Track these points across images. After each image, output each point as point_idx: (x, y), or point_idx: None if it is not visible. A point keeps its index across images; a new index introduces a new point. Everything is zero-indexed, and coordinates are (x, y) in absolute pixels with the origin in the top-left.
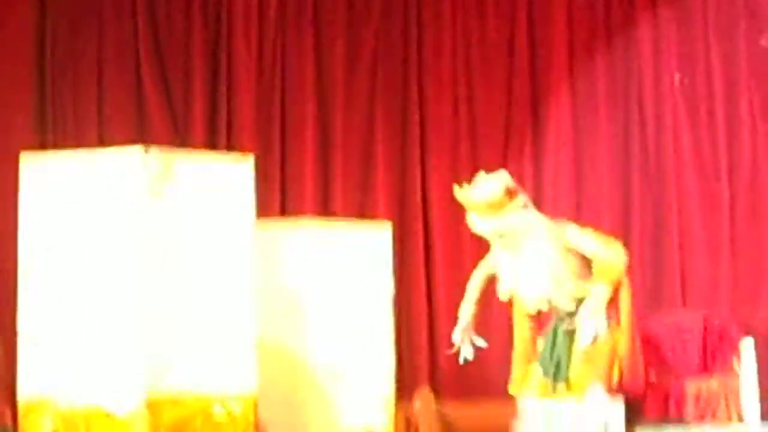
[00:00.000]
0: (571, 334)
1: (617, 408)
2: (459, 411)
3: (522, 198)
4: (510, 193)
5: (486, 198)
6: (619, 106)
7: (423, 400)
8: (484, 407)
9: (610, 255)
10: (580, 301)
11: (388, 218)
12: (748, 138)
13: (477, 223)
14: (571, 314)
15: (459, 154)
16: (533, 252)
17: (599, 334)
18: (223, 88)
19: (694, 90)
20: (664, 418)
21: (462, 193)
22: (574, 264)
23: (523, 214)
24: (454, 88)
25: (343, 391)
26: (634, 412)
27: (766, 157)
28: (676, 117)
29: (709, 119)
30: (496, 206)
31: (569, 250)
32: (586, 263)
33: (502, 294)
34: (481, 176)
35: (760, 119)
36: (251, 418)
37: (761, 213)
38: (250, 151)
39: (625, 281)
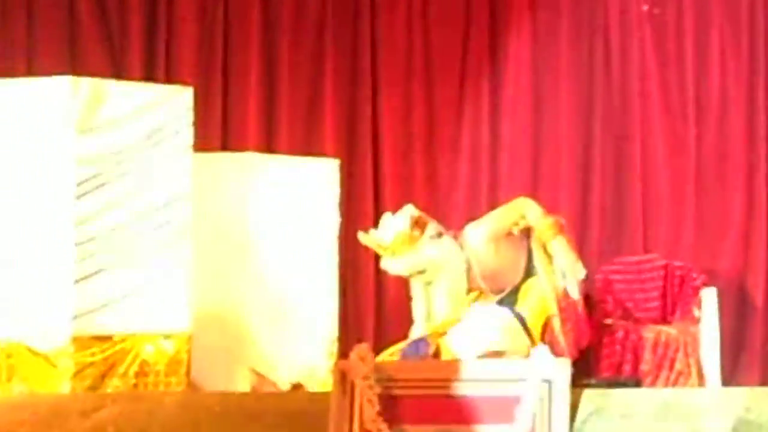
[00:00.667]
0: None
1: (562, 368)
2: (399, 369)
3: (433, 227)
4: (419, 225)
5: (395, 236)
6: (583, 37)
7: (360, 355)
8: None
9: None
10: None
11: (336, 155)
12: (718, 76)
13: (392, 265)
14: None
15: (412, 90)
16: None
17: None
18: (162, 17)
19: (664, 23)
20: (617, 375)
21: (368, 239)
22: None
23: (437, 244)
24: (409, 19)
25: (284, 332)
26: (582, 371)
27: (735, 97)
28: (643, 51)
29: (678, 55)
30: (407, 242)
31: (499, 239)
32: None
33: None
34: (386, 217)
35: (731, 56)
36: (184, 357)
37: (729, 155)
38: (189, 83)
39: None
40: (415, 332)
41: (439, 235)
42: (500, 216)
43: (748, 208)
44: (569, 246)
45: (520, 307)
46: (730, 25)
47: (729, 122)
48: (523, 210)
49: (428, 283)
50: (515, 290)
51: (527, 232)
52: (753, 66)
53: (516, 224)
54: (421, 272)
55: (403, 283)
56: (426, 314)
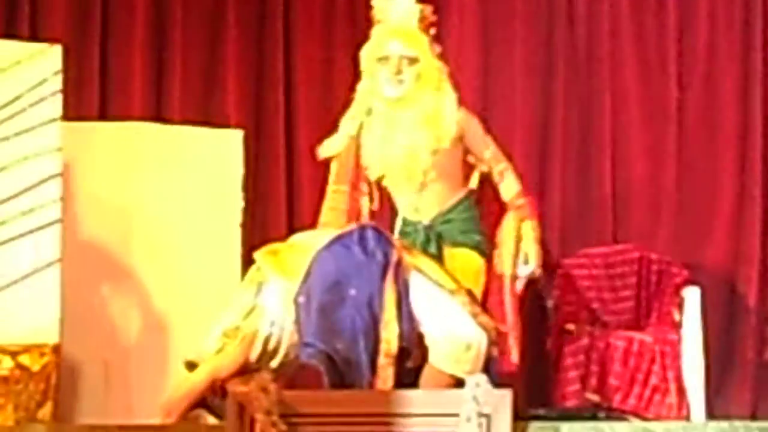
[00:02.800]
0: None
1: (503, 399)
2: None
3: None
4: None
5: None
6: None
7: (261, 386)
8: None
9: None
10: None
11: (240, 125)
12: (705, 26)
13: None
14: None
15: (334, 43)
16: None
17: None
18: None
19: None
20: (581, 389)
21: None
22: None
23: None
24: None
25: (183, 322)
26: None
27: (726, 52)
28: None
29: (658, 3)
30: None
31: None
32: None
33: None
34: None
35: (721, 6)
36: (51, 371)
37: (718, 125)
38: (59, 40)
39: None
40: None
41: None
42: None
43: (740, 190)
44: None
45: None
46: None
47: (718, 84)
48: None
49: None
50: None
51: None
52: (748, 13)
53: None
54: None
55: None
56: None
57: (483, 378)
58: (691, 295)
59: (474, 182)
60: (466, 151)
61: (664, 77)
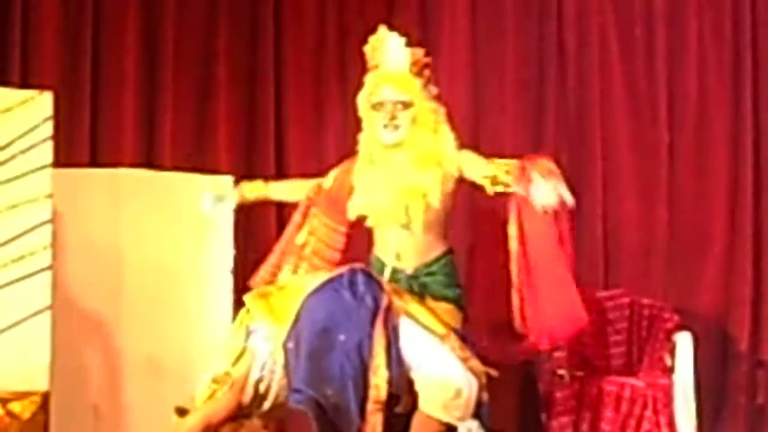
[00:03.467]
0: None
1: None
2: None
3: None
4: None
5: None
6: (532, 17)
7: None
8: None
9: None
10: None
11: (231, 171)
12: (695, 67)
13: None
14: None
15: (324, 88)
16: None
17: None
18: (16, 4)
19: (629, 4)
20: None
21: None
22: None
23: None
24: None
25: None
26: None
27: (716, 93)
28: (605, 36)
29: (647, 41)
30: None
31: None
32: None
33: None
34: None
35: (711, 43)
36: (41, 418)
37: (709, 168)
38: (50, 86)
39: None
40: None
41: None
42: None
43: (731, 234)
44: None
45: None
46: (709, 6)
47: (708, 127)
48: None
49: None
50: None
51: None
52: (738, 57)
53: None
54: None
55: None
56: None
57: (475, 424)
58: (683, 340)
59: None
60: (472, 185)
61: (654, 121)
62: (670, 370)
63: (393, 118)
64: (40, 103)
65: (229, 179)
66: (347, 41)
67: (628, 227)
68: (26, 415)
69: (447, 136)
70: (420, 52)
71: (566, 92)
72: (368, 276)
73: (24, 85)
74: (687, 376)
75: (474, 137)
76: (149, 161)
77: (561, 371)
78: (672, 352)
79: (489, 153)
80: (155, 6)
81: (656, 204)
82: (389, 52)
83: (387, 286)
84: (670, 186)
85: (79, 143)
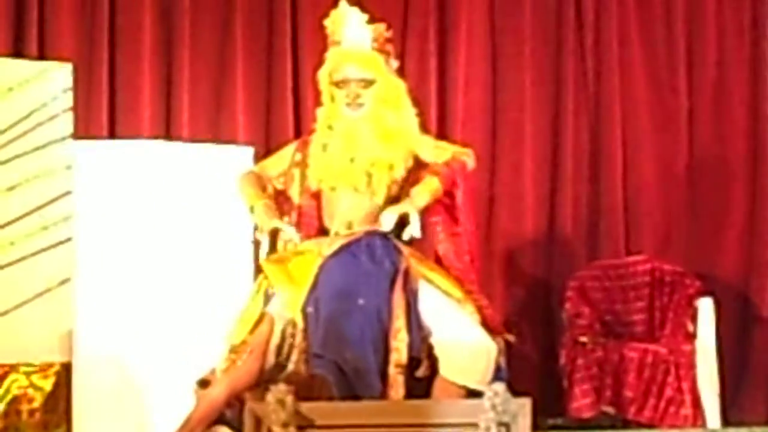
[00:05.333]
0: None
1: (522, 408)
2: (324, 413)
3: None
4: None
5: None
6: None
7: (277, 398)
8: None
9: None
10: None
11: (250, 142)
12: (714, 32)
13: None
14: None
15: None
16: None
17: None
18: None
19: None
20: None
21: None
22: None
23: None
24: None
25: (192, 348)
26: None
27: (735, 59)
28: (623, 2)
29: (666, 6)
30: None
31: None
32: None
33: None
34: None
35: (730, 7)
36: (63, 393)
37: (728, 135)
38: (68, 59)
39: None
40: None
41: None
42: None
43: (751, 199)
44: None
45: None
46: None
47: (728, 93)
48: None
49: None
50: None
51: None
52: (756, 21)
53: None
54: None
55: None
56: None
57: (502, 386)
58: (705, 306)
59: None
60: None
61: (673, 86)
62: (692, 336)
63: (357, 96)
64: (59, 75)
65: (248, 150)
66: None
67: (648, 194)
68: (49, 387)
69: (409, 113)
70: (381, 26)
71: (585, 60)
72: (386, 240)
73: (41, 57)
74: (709, 341)
75: (493, 104)
76: (167, 133)
77: (583, 338)
78: (694, 318)
79: (509, 130)
80: None
81: (676, 170)
82: (351, 29)
83: (405, 251)
84: (690, 152)
85: (98, 115)
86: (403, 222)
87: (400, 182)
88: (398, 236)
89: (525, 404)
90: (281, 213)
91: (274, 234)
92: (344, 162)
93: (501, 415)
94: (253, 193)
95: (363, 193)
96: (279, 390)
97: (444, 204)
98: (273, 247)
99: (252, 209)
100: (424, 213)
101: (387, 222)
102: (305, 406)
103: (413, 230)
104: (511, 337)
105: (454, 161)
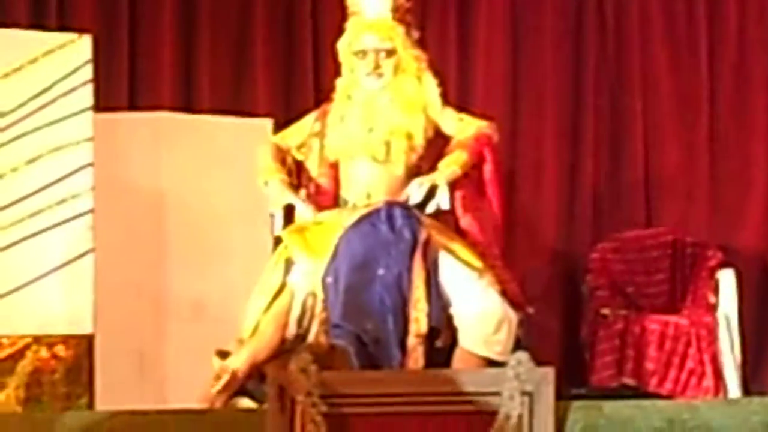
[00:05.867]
0: None
1: (546, 377)
2: (348, 382)
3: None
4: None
5: None
6: None
7: (300, 367)
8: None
9: None
10: None
11: (270, 114)
12: (735, 11)
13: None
14: None
15: None
16: None
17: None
18: None
19: None
20: (617, 376)
21: None
22: None
23: None
24: None
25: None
26: (572, 372)
27: (757, 38)
28: None
29: None
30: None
31: None
32: None
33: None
34: None
35: None
36: (85, 364)
37: (749, 109)
38: (87, 31)
39: None
40: None
41: None
42: None
43: None
44: None
45: None
46: None
47: (748, 70)
48: None
49: None
50: None
51: None
52: None
53: None
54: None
55: None
56: None
57: (525, 356)
58: (726, 277)
59: None
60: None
61: (694, 62)
62: (713, 308)
63: (377, 66)
64: (80, 46)
65: (267, 122)
66: None
67: (669, 167)
68: (71, 358)
69: (431, 83)
70: None
71: (606, 35)
72: (406, 210)
73: (61, 28)
74: (731, 313)
75: (513, 77)
76: (188, 105)
77: (604, 310)
78: (715, 290)
79: (530, 102)
80: None
81: (697, 143)
82: None
83: (426, 221)
84: (711, 126)
85: (118, 87)
86: (428, 194)
87: (419, 152)
88: (421, 207)
89: (548, 373)
90: (300, 186)
91: (288, 209)
92: (363, 132)
93: (524, 383)
94: (269, 167)
95: (381, 163)
96: (302, 359)
97: (470, 177)
98: (287, 223)
99: (266, 183)
100: (450, 186)
101: (415, 193)
102: (328, 375)
103: (442, 202)
104: (531, 310)
105: (482, 135)
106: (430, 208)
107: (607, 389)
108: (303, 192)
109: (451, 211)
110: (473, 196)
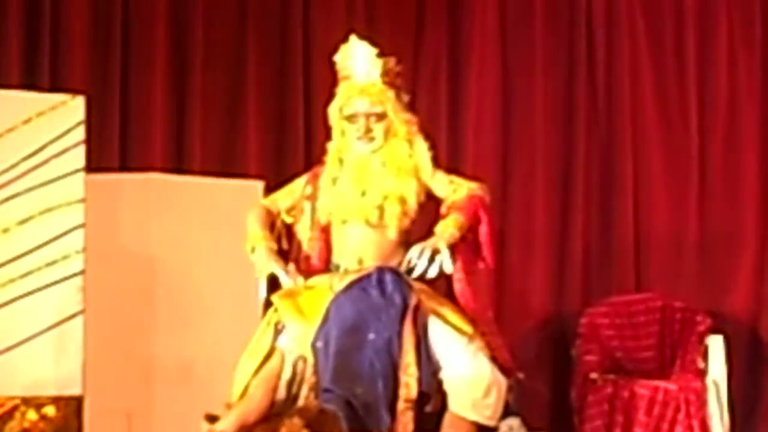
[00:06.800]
0: None
1: None
2: None
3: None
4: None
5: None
6: (561, 23)
7: (291, 430)
8: None
9: None
10: None
11: (260, 176)
12: (725, 69)
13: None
14: None
15: None
16: None
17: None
18: (45, 8)
19: (659, 10)
20: None
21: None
22: None
23: None
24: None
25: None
26: None
27: (747, 98)
28: (635, 40)
29: (677, 44)
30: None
31: None
32: None
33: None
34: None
35: (741, 45)
36: (73, 424)
37: (740, 171)
38: (79, 91)
39: None
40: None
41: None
42: None
43: (762, 237)
44: None
45: None
46: (739, 10)
47: (739, 130)
48: None
49: None
50: None
51: None
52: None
53: None
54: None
55: None
56: None
57: (517, 421)
58: (715, 343)
59: None
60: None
61: (685, 125)
62: (702, 373)
63: (368, 130)
64: (73, 107)
65: (258, 184)
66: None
67: (659, 230)
68: (60, 419)
69: (422, 147)
70: (392, 60)
71: (596, 98)
72: (396, 275)
73: (53, 89)
74: (720, 378)
75: (504, 140)
76: (179, 166)
77: (593, 375)
78: (704, 355)
79: (521, 165)
80: (184, 11)
81: (687, 207)
82: (360, 62)
83: (415, 286)
84: (701, 190)
85: (109, 148)
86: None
87: (412, 216)
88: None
89: None
90: (290, 250)
91: (273, 278)
92: (356, 195)
93: None
94: (256, 233)
95: (374, 227)
96: (293, 423)
97: (466, 240)
98: (272, 290)
99: (253, 250)
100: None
101: (420, 261)
102: None
103: (445, 266)
104: (521, 375)
105: (475, 196)
106: (432, 272)
107: None
108: (291, 265)
109: (444, 274)
110: (469, 258)
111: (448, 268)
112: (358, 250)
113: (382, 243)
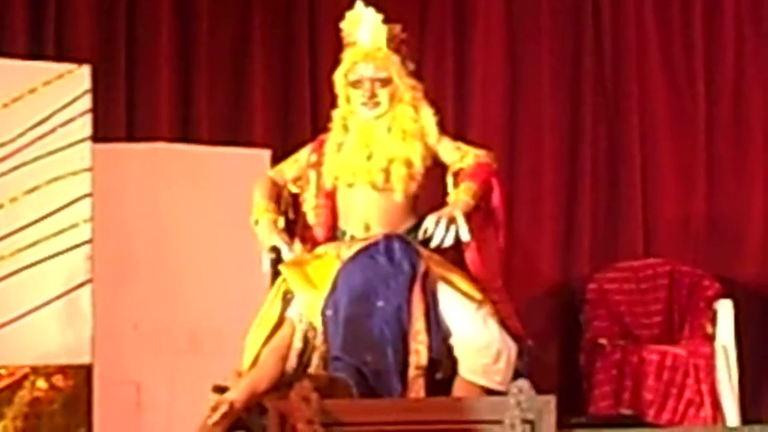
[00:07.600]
0: None
1: (547, 406)
2: (349, 411)
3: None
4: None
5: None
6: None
7: (302, 395)
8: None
9: None
10: None
11: (267, 145)
12: (733, 36)
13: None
14: None
15: None
16: None
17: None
18: None
19: None
20: (614, 406)
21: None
22: None
23: None
24: None
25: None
26: (570, 402)
27: (753, 66)
28: (641, 8)
29: (684, 15)
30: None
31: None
32: None
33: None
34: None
35: (748, 17)
36: (84, 394)
37: (747, 137)
38: (85, 60)
39: None
40: None
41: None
42: None
43: None
44: None
45: None
46: None
47: (746, 97)
48: None
49: None
50: None
51: None
52: None
53: None
54: None
55: None
56: None
57: (526, 384)
58: (724, 308)
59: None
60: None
61: (692, 93)
62: (711, 338)
63: (373, 95)
64: (78, 77)
65: (265, 153)
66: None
67: (667, 196)
68: (69, 388)
69: (427, 112)
70: (397, 27)
71: (603, 61)
72: (405, 243)
73: (59, 58)
74: (728, 343)
75: (511, 107)
76: (186, 135)
77: (602, 340)
78: (713, 320)
79: (527, 133)
80: None
81: (695, 174)
82: (365, 28)
83: (424, 253)
84: (709, 156)
85: (116, 118)
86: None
87: (418, 180)
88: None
89: (550, 401)
90: (297, 219)
91: (275, 250)
92: (361, 159)
93: (526, 412)
94: (260, 205)
95: (381, 191)
96: (303, 387)
97: (477, 208)
98: (276, 262)
99: (256, 222)
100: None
101: (438, 231)
102: (330, 404)
103: (462, 234)
104: (530, 342)
105: (485, 164)
106: (448, 241)
107: (607, 418)
108: (297, 242)
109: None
110: (480, 226)
111: (465, 236)
112: (365, 214)
113: (389, 207)
